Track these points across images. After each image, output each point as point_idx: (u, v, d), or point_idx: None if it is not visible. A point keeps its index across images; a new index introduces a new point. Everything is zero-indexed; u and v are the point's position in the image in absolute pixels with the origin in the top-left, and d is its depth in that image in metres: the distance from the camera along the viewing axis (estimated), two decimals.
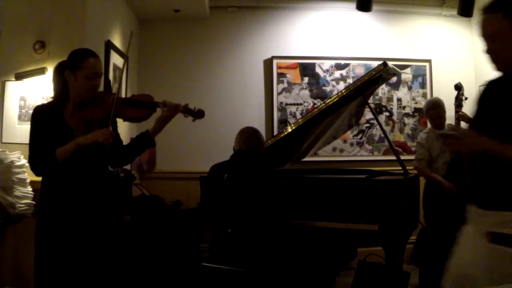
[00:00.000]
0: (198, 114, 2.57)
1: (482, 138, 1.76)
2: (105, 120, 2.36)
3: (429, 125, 4.31)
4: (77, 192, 2.34)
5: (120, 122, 2.62)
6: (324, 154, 5.25)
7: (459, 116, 3.97)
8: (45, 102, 3.25)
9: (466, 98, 4.10)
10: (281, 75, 5.31)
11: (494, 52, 1.81)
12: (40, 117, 2.36)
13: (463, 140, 1.85)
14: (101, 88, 2.75)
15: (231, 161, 3.04)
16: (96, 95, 2.42)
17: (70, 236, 2.30)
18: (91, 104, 2.39)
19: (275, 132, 5.05)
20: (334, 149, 5.31)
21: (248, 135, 3.12)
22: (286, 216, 3.04)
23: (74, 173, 2.34)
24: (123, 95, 4.52)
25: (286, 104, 5.30)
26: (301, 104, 5.32)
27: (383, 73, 3.74)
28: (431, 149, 4.06)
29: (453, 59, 5.56)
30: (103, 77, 2.65)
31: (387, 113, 5.42)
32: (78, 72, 2.33)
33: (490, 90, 1.87)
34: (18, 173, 3.12)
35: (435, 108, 4.09)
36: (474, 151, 1.83)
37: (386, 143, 4.15)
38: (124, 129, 2.64)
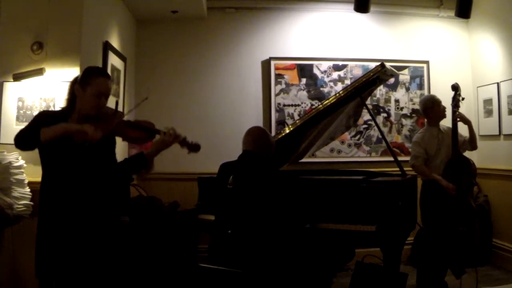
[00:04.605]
0: (194, 148, 2.62)
1: None
2: (106, 138, 2.41)
3: (425, 125, 4.31)
4: (76, 193, 2.35)
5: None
6: (322, 155, 5.26)
7: (457, 116, 3.98)
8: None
9: (463, 99, 4.12)
10: (279, 76, 5.32)
11: None
12: (45, 118, 2.38)
13: None
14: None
15: (238, 162, 3.03)
16: (102, 112, 2.46)
17: (70, 237, 2.32)
18: (95, 120, 2.41)
19: (273, 133, 5.05)
20: (331, 150, 5.31)
21: (254, 135, 3.07)
22: (298, 220, 3.05)
23: (72, 174, 2.35)
24: (121, 95, 4.53)
25: (284, 105, 5.31)
26: (299, 105, 5.32)
27: (380, 74, 3.74)
28: (427, 148, 4.06)
29: (451, 60, 5.57)
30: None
31: (384, 114, 5.43)
32: (87, 89, 2.39)
33: None
34: (16, 174, 3.12)
35: (438, 99, 4.10)
36: None
37: (384, 144, 4.16)
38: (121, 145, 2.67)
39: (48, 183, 2.39)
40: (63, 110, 2.49)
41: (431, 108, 4.11)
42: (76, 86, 2.42)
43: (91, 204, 2.38)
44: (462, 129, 4.09)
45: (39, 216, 2.40)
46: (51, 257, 2.32)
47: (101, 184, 2.45)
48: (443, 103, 4.13)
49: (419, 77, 5.50)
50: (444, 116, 4.14)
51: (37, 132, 2.25)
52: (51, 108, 3.38)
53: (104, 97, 2.44)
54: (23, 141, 2.34)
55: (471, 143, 4.09)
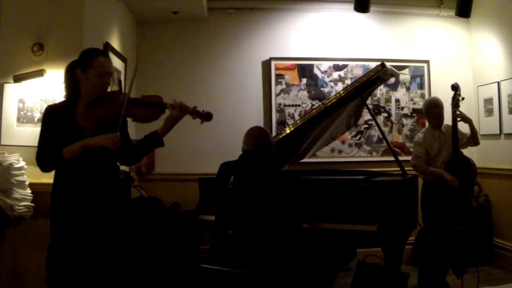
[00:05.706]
0: (206, 117, 2.59)
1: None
2: (115, 119, 2.38)
3: (427, 125, 4.31)
4: (87, 193, 2.36)
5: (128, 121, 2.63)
6: (323, 155, 5.26)
7: (456, 116, 3.98)
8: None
9: (463, 98, 4.12)
10: (279, 76, 5.32)
11: None
12: (51, 115, 2.40)
13: None
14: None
15: (239, 162, 3.03)
16: (107, 93, 2.45)
17: (83, 236, 2.33)
18: (102, 102, 2.41)
19: (274, 134, 5.05)
20: (332, 150, 5.31)
21: (255, 136, 3.07)
22: (297, 220, 3.04)
23: (83, 173, 2.35)
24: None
25: (285, 105, 5.31)
26: (299, 105, 5.32)
27: (381, 74, 3.74)
28: (429, 148, 4.06)
29: (451, 59, 5.57)
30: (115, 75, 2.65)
31: (385, 114, 5.43)
32: (89, 71, 2.38)
33: None
34: (17, 175, 3.12)
35: (436, 106, 4.09)
36: None
37: (385, 144, 4.16)
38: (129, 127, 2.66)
39: (59, 182, 2.39)
40: (68, 100, 2.48)
41: (427, 109, 4.14)
42: (77, 71, 2.40)
43: (103, 203, 2.38)
44: (463, 127, 4.09)
45: (51, 219, 2.40)
46: (65, 261, 2.31)
47: (115, 176, 2.45)
48: (444, 103, 4.13)
49: (419, 76, 5.50)
50: (436, 123, 4.12)
51: (60, 155, 2.28)
52: None
53: (108, 76, 2.43)
54: (47, 165, 2.37)
55: (473, 139, 4.10)
